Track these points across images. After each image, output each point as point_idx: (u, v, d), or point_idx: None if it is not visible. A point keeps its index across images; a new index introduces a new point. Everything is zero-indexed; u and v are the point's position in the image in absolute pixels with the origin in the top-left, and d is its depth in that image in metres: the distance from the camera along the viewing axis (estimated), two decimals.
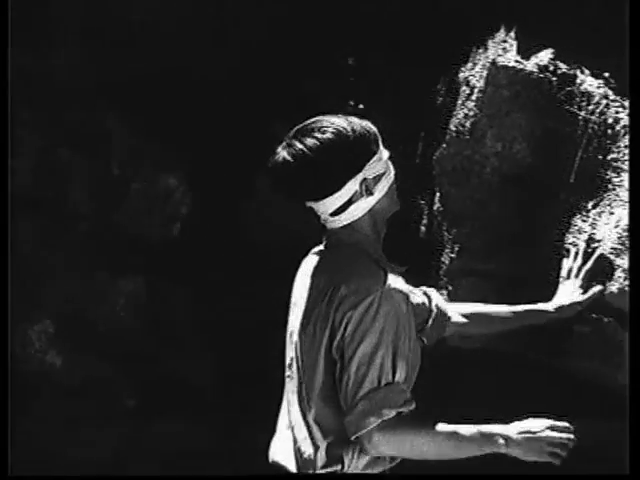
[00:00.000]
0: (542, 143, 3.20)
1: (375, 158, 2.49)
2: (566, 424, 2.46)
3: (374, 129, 2.52)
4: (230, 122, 4.26)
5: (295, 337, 2.54)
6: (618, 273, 2.87)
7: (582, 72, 3.18)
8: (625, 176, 2.94)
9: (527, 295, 2.94)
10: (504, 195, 3.25)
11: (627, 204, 2.90)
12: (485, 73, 3.28)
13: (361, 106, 4.05)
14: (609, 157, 3.03)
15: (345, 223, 2.53)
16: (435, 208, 3.44)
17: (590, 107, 3.11)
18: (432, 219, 3.51)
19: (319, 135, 2.44)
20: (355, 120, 2.49)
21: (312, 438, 2.46)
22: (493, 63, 3.25)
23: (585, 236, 3.00)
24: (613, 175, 3.00)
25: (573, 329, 2.96)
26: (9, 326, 3.12)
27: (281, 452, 2.55)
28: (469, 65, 3.41)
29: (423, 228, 3.62)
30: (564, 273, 2.97)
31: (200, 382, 4.29)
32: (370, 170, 2.49)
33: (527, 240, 3.20)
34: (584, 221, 3.04)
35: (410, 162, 3.67)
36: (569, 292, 2.92)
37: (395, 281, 2.43)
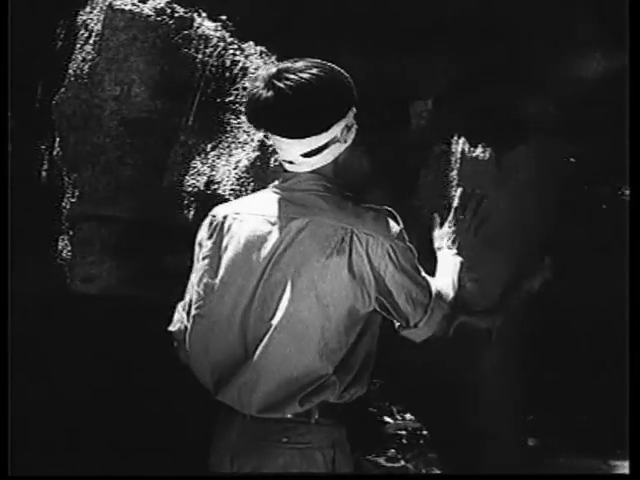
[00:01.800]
0: (161, 86, 3.20)
1: (354, 107, 2.52)
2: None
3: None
4: None
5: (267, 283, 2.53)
6: None
7: (199, 15, 3.21)
8: (244, 118, 3.00)
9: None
10: (123, 139, 3.24)
11: (246, 145, 2.99)
12: (102, 16, 3.23)
13: None
14: (227, 100, 3.09)
15: (316, 167, 2.53)
16: (55, 153, 3.37)
17: (207, 50, 3.16)
18: (53, 164, 3.43)
19: (316, 72, 2.44)
20: (337, 67, 2.50)
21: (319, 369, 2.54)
22: (110, 6, 3.20)
23: (205, 178, 3.05)
24: (231, 117, 3.06)
25: None
26: (9, 326, 2.91)
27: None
28: (88, 9, 3.34)
29: (44, 174, 3.53)
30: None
31: None
32: (349, 117, 2.52)
33: (153, 182, 3.21)
34: (203, 163, 3.08)
35: (30, 107, 3.57)
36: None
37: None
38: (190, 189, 3.08)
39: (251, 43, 3.12)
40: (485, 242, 3.09)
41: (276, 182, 2.60)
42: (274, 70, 2.46)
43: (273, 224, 2.53)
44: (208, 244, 2.59)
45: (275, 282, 2.53)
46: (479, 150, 3.08)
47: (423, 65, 3.24)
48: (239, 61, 3.10)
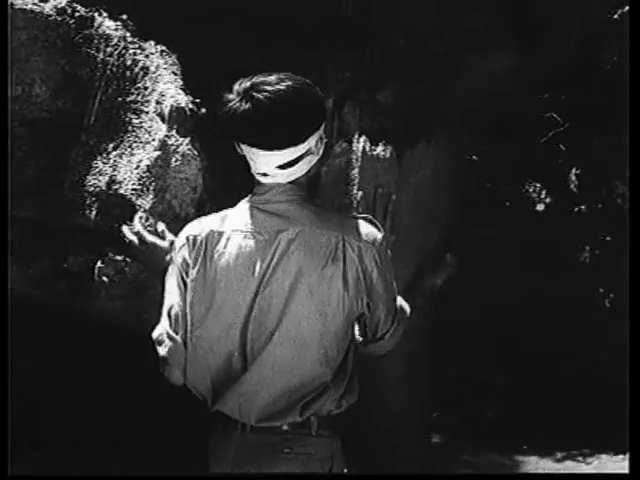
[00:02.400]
0: (62, 86, 3.19)
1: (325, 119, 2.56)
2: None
3: None
4: None
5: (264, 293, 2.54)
6: (139, 213, 2.95)
7: (100, 15, 3.21)
8: (145, 117, 3.03)
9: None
10: (24, 139, 3.22)
11: (147, 144, 3.00)
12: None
13: None
14: (128, 99, 3.09)
15: (291, 178, 2.54)
16: None
17: (108, 49, 3.16)
18: None
19: (292, 84, 2.45)
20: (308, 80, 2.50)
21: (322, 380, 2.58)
22: (11, 6, 3.19)
23: (107, 178, 3.05)
24: (133, 117, 3.06)
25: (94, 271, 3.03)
26: (9, 325, 2.88)
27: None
28: None
29: None
30: None
31: None
32: (322, 129, 2.54)
33: (55, 182, 3.20)
34: (105, 163, 3.08)
35: None
36: None
37: None
38: (92, 189, 3.07)
39: (152, 42, 3.13)
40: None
41: (249, 196, 2.59)
42: (248, 83, 2.47)
43: (261, 238, 2.55)
44: (193, 265, 2.57)
45: (271, 294, 2.56)
46: (380, 148, 3.13)
47: (324, 64, 3.28)
48: (140, 60, 3.11)
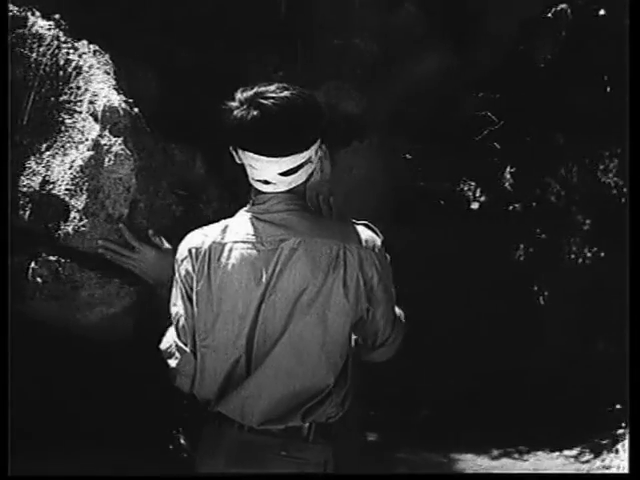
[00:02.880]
0: None
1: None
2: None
3: None
4: None
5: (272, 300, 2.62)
6: (73, 214, 2.97)
7: (33, 14, 3.20)
8: (78, 117, 3.03)
9: None
10: None
11: (80, 144, 3.00)
12: None
13: None
14: (61, 99, 3.08)
15: (291, 186, 2.61)
16: None
17: (41, 49, 3.14)
18: None
19: (296, 93, 2.53)
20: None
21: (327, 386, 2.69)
22: None
23: (40, 178, 3.05)
24: (66, 117, 3.05)
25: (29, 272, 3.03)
26: (9, 324, 2.84)
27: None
28: None
29: None
30: None
31: None
32: (320, 140, 2.62)
33: None
34: (38, 163, 3.07)
35: None
36: None
37: None
38: (25, 189, 3.07)
39: (85, 42, 3.13)
40: None
41: (249, 205, 2.66)
42: (252, 92, 2.54)
43: (263, 248, 2.62)
44: (198, 277, 2.63)
45: (275, 303, 2.63)
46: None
47: (257, 64, 3.30)
48: (73, 60, 3.10)
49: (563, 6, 6.34)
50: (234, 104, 2.56)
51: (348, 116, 3.29)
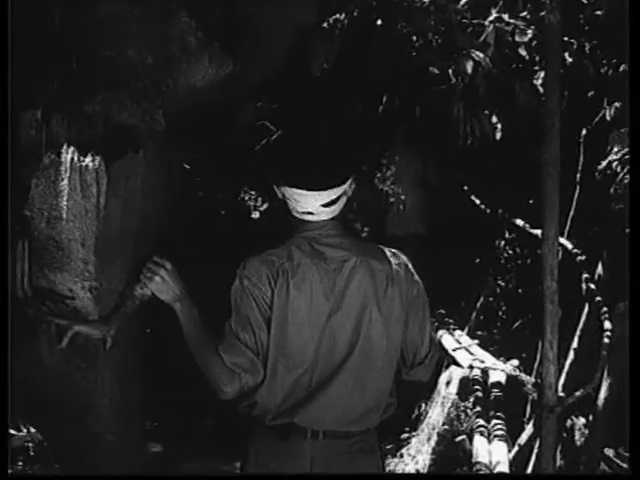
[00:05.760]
0: None
1: None
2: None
3: None
4: None
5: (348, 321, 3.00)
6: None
7: None
8: None
9: None
10: None
11: None
12: None
13: None
14: None
15: (332, 215, 3.02)
16: None
17: None
18: None
19: (332, 134, 2.86)
20: None
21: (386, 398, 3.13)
22: None
23: None
24: None
25: None
26: (9, 324, 3.00)
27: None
28: None
29: None
30: None
31: None
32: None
33: None
34: None
35: None
36: None
37: None
38: None
39: None
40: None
41: (296, 234, 3.06)
42: (293, 134, 2.86)
43: (328, 267, 3.00)
44: (271, 295, 2.98)
45: (342, 317, 3.01)
46: (88, 159, 3.18)
47: (31, 75, 3.28)
48: None
49: (338, 16, 6.52)
50: (276, 144, 2.92)
51: (123, 127, 3.32)
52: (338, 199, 3.03)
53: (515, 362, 7.05)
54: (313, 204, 3.00)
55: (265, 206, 7.89)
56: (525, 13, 6.17)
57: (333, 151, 3.04)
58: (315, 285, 2.99)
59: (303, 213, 3.03)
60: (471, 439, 5.76)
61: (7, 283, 3.06)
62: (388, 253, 3.11)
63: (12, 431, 5.26)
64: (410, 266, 3.13)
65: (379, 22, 6.50)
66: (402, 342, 3.14)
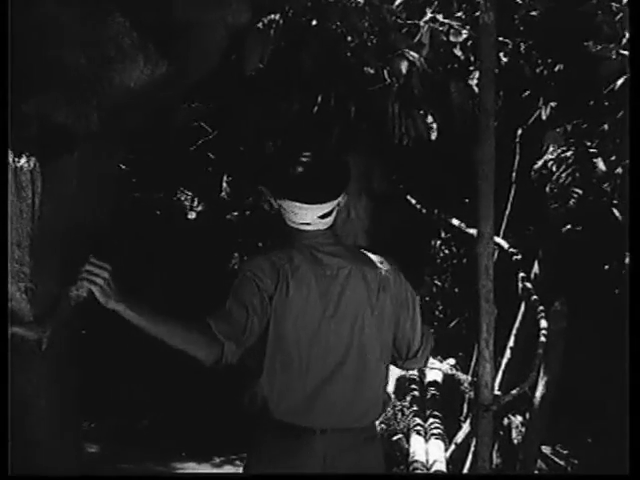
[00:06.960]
0: None
1: None
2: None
3: None
4: None
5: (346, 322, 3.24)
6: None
7: None
8: None
9: None
10: None
11: None
12: None
13: None
14: None
15: (328, 225, 3.28)
16: None
17: None
18: None
19: (326, 150, 3.28)
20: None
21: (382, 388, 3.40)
22: None
23: None
24: None
25: None
26: (8, 325, 3.10)
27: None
28: None
29: None
30: None
31: None
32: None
33: None
34: None
35: None
36: None
37: None
38: None
39: None
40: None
41: (294, 242, 3.26)
42: (291, 148, 3.21)
43: (326, 273, 3.23)
44: (274, 290, 3.18)
45: (338, 321, 3.24)
46: (23, 160, 3.18)
47: None
48: None
49: (273, 17, 6.54)
50: (277, 161, 3.32)
51: (58, 127, 3.33)
52: (333, 210, 3.27)
53: (452, 361, 7.17)
54: (311, 216, 3.23)
55: (201, 207, 7.90)
56: (460, 13, 6.24)
57: (332, 167, 3.27)
58: (312, 289, 3.21)
59: (301, 224, 3.26)
60: (408, 438, 5.84)
61: (7, 280, 3.11)
62: (377, 260, 3.35)
63: None
64: (398, 270, 3.37)
65: (314, 22, 6.54)
66: (395, 339, 3.39)
